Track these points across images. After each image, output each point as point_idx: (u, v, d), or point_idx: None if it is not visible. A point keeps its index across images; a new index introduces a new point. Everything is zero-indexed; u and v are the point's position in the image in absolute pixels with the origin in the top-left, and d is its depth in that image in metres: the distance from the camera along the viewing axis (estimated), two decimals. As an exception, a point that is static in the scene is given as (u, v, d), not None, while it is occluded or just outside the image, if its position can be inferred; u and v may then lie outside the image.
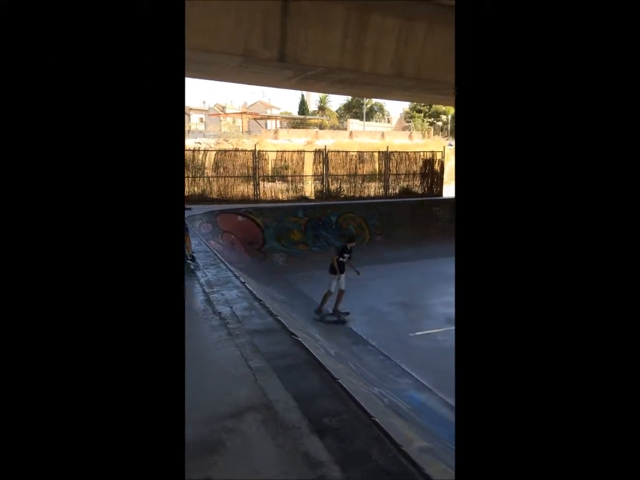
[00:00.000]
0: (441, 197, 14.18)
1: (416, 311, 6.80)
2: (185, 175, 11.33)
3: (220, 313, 3.95)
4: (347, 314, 6.52)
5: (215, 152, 12.79)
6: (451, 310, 5.77)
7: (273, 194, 12.68)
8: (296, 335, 3.34)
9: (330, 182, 13.59)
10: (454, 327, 4.81)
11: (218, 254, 6.93)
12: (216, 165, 12.20)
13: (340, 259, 6.44)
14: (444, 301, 7.21)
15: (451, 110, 35.08)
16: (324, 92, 32.72)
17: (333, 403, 2.36)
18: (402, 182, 14.48)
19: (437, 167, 14.90)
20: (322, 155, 13.43)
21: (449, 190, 17.34)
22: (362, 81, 8.05)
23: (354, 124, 39.42)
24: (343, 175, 13.77)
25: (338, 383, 2.56)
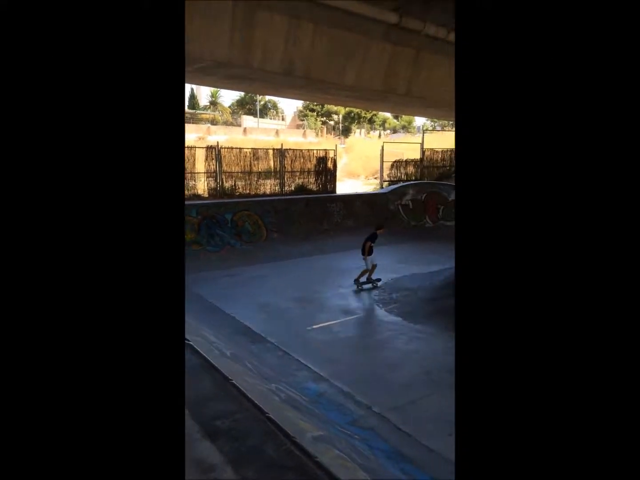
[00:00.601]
0: (335, 194, 14.66)
1: (313, 305, 6.95)
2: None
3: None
4: (379, 280, 7.97)
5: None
6: (345, 302, 6.03)
7: (163, 192, 11.97)
8: (187, 339, 3.19)
9: (224, 180, 13.25)
10: (348, 318, 5.01)
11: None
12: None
13: (372, 244, 7.91)
14: (338, 293, 7.49)
15: (342, 110, 36.46)
16: (214, 87, 31.78)
17: (226, 404, 2.31)
18: (297, 179, 14.67)
19: (330, 165, 15.37)
20: (214, 152, 13.03)
21: (342, 186, 18.02)
22: (251, 77, 7.95)
23: (247, 120, 38.94)
24: (237, 172, 13.52)
25: (231, 383, 2.51)
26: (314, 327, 6.05)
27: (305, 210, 11.85)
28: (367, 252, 7.92)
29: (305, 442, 1.94)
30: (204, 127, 31.13)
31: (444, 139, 19.91)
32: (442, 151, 18.21)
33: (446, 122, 24.41)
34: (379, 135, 36.24)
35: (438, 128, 28.70)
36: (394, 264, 9.49)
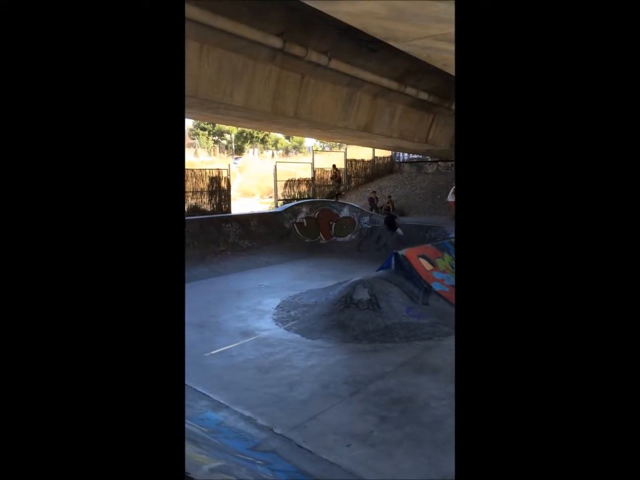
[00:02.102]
0: (230, 214, 14.47)
1: (210, 330, 6.74)
2: None
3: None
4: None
5: None
6: (244, 324, 5.92)
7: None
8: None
9: (107, 202, 12.30)
10: (247, 340, 4.94)
11: None
12: None
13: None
14: (236, 315, 7.36)
15: (234, 129, 36.26)
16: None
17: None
18: (190, 199, 14.21)
19: (224, 184, 15.18)
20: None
21: (237, 206, 17.86)
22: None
23: (133, 138, 36.69)
24: (123, 193, 12.64)
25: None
26: (212, 352, 5.86)
27: (200, 232, 11.49)
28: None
29: (200, 475, 1.88)
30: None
31: (332, 159, 20.89)
32: (330, 170, 19.07)
33: (333, 143, 25.68)
34: (272, 155, 36.73)
35: (327, 149, 30.03)
36: (291, 281, 9.62)
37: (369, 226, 13.55)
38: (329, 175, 17.33)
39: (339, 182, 16.68)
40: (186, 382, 4.94)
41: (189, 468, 1.92)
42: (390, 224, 12.42)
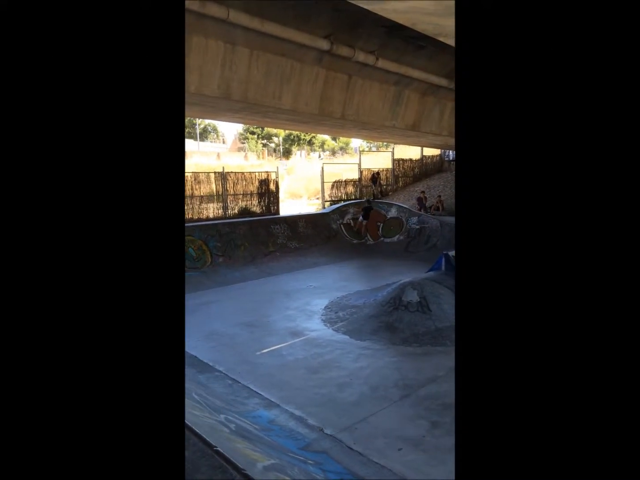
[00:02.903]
0: (279, 215, 14.71)
1: (261, 329, 6.88)
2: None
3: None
4: None
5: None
6: (293, 324, 6.00)
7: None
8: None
9: (163, 205, 12.89)
10: (297, 340, 4.98)
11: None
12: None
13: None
14: (285, 315, 7.47)
15: (282, 132, 36.87)
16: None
17: (172, 441, 2.23)
18: (240, 202, 14.59)
19: (272, 186, 15.45)
20: (152, 177, 12.67)
21: (285, 208, 18.13)
22: (189, 101, 7.90)
23: (188, 144, 38.31)
24: (177, 197, 13.20)
25: (177, 419, 2.43)
26: (263, 351, 5.98)
27: (250, 233, 11.77)
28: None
29: (256, 473, 1.91)
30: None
31: (379, 160, 20.69)
32: (378, 170, 18.89)
33: (380, 143, 25.43)
34: (319, 157, 36.97)
35: (374, 149, 29.79)
36: (338, 282, 9.63)
37: (417, 227, 13.29)
38: (369, 178, 17.32)
39: (377, 185, 16.56)
40: (238, 379, 5.07)
41: (244, 465, 1.96)
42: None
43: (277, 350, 6.02)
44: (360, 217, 13.48)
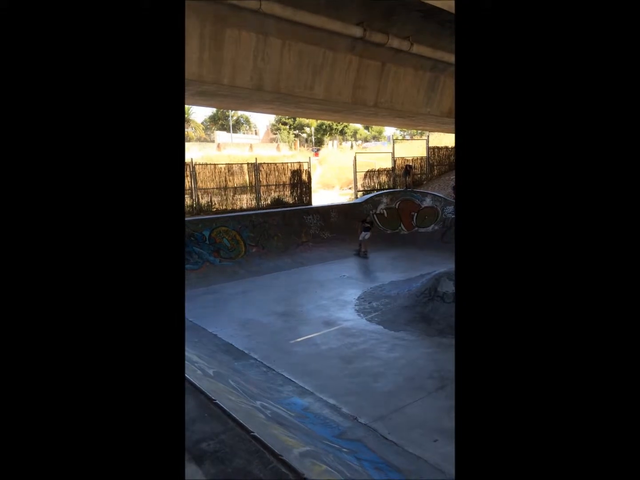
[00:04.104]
0: (311, 206, 14.74)
1: (295, 318, 6.94)
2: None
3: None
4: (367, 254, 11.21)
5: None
6: (327, 314, 5.99)
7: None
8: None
9: (200, 196, 13.17)
10: (330, 329, 4.98)
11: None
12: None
13: (363, 225, 11.47)
14: (318, 305, 7.50)
15: (314, 123, 36.80)
16: (186, 104, 31.59)
17: (211, 425, 2.29)
18: (273, 192, 14.71)
19: (304, 177, 15.48)
20: (189, 169, 12.96)
21: (317, 198, 18.13)
22: (222, 93, 7.98)
23: (221, 135, 38.87)
24: (213, 188, 13.48)
25: (215, 404, 2.49)
26: (297, 340, 6.04)
27: (283, 223, 11.86)
28: (359, 231, 11.42)
29: (292, 459, 1.94)
30: (175, 144, 30.80)
31: (413, 148, 20.32)
32: (412, 159, 18.55)
33: (414, 131, 24.92)
34: (351, 146, 36.67)
35: (407, 137, 29.26)
36: (372, 273, 9.58)
37: (453, 216, 13.00)
38: (402, 168, 17.02)
39: (410, 176, 16.24)
40: (273, 367, 5.15)
41: (280, 450, 1.99)
42: None
43: (310, 339, 6.07)
44: (362, 232, 11.46)
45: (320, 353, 5.55)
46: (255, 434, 2.15)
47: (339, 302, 7.64)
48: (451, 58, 8.87)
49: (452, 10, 5.21)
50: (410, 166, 16.78)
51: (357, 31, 7.52)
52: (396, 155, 18.27)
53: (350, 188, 20.32)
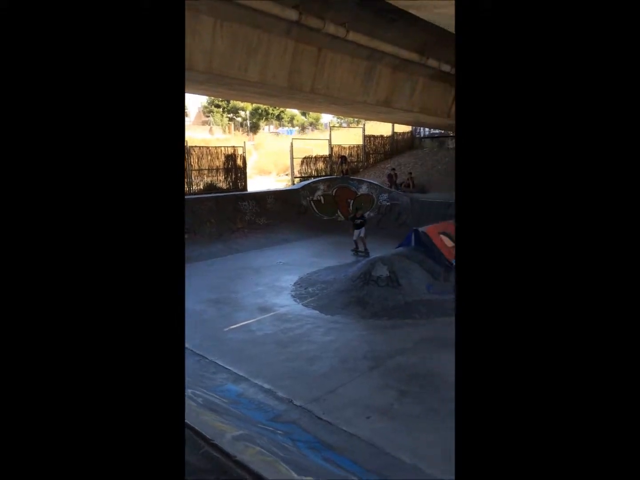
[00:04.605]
0: (246, 192, 14.47)
1: (229, 305, 6.81)
2: None
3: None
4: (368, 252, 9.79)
5: None
6: (262, 300, 5.93)
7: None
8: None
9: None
10: (266, 315, 4.93)
11: None
12: None
13: (354, 223, 10.34)
14: (254, 292, 7.42)
15: (249, 106, 36.03)
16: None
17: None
18: (205, 177, 14.22)
19: (239, 162, 15.12)
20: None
21: (253, 184, 17.83)
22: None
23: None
24: (141, 172, 12.74)
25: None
26: (231, 327, 5.93)
27: (216, 209, 11.53)
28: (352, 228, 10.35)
29: (224, 443, 1.89)
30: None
31: (349, 136, 20.59)
32: (349, 147, 18.81)
33: (351, 119, 25.26)
34: (288, 132, 36.39)
35: (344, 125, 29.59)
36: (308, 258, 9.63)
37: (388, 203, 13.39)
38: (338, 170, 17.13)
39: (346, 164, 16.42)
40: (205, 355, 5.02)
41: (213, 436, 1.94)
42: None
43: (245, 326, 5.99)
44: (355, 231, 10.43)
45: (255, 339, 5.49)
46: (186, 421, 2.08)
47: (275, 288, 7.60)
48: (387, 48, 9.02)
49: (387, -2, 5.27)
50: (344, 157, 17.00)
51: (292, 14, 7.39)
52: (333, 143, 18.41)
53: (287, 174, 20.20)
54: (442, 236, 7.86)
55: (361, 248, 10.26)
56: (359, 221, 10.56)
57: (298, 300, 6.91)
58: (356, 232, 10.41)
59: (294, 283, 7.82)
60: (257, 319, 6.17)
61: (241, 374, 4.53)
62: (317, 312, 6.33)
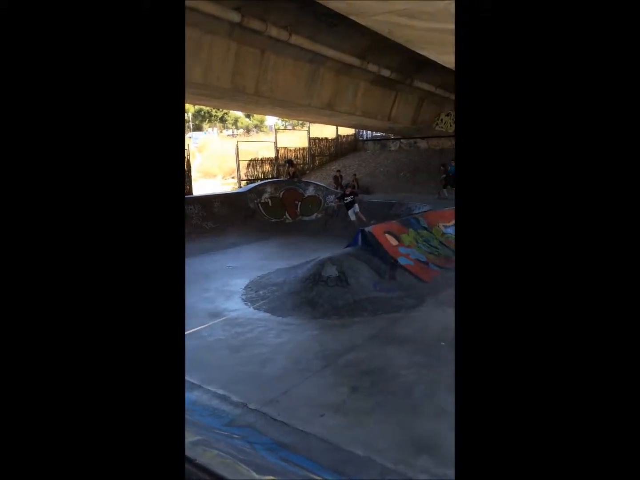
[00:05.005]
0: (192, 195, 14.15)
1: (178, 312, 6.64)
2: None
3: None
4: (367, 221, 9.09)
5: None
6: (212, 306, 5.85)
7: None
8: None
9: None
10: (217, 321, 4.89)
11: None
12: None
13: (341, 203, 9.74)
14: (203, 297, 7.29)
15: (191, 108, 35.15)
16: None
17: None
18: (148, 181, 13.75)
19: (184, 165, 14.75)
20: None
21: (198, 187, 17.44)
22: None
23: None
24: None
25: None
26: (181, 334, 5.80)
27: (161, 214, 11.18)
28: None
29: (182, 449, 1.90)
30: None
31: (295, 138, 20.69)
32: (294, 149, 18.91)
33: (296, 122, 25.37)
34: (232, 134, 35.91)
35: (289, 127, 29.65)
36: (258, 261, 9.60)
37: (335, 204, 13.61)
38: (285, 172, 17.16)
39: (291, 166, 16.46)
40: (156, 365, 4.90)
41: (169, 443, 1.93)
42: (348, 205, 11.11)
43: (196, 332, 5.88)
44: (349, 212, 10.55)
45: (206, 345, 5.42)
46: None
47: (224, 292, 7.51)
48: (329, 52, 9.20)
49: (327, 4, 5.40)
50: (291, 160, 17.05)
51: (234, 16, 7.36)
52: (279, 145, 18.42)
53: (233, 177, 19.95)
54: (387, 235, 8.14)
55: (360, 221, 9.47)
56: (348, 199, 9.67)
57: (249, 303, 6.89)
58: (350, 212, 9.49)
59: (244, 287, 7.77)
60: (208, 324, 6.09)
61: (194, 381, 4.46)
62: (268, 314, 6.35)
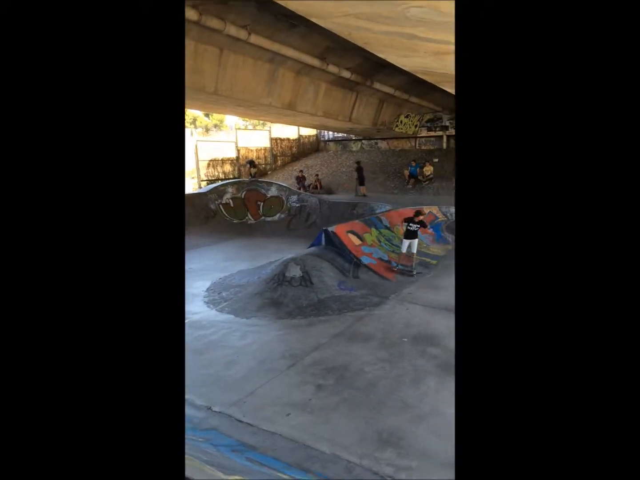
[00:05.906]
0: (150, 197, 13.74)
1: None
2: None
3: None
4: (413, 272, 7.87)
5: None
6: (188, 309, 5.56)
7: None
8: None
9: None
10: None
11: None
12: None
13: (408, 227, 7.77)
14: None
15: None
16: None
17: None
18: (104, 182, 13.27)
19: (141, 165, 14.34)
20: None
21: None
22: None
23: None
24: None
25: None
26: (141, 339, 5.65)
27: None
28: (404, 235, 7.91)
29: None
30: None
31: (256, 138, 20.53)
32: (256, 149, 18.77)
33: (257, 122, 25.19)
34: (191, 134, 35.19)
35: (250, 127, 29.39)
36: (220, 263, 9.47)
37: (297, 205, 13.62)
38: (247, 172, 17.02)
39: (253, 166, 16.34)
40: (115, 372, 4.74)
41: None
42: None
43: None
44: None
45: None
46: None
47: (186, 295, 7.36)
48: (289, 52, 9.20)
49: (287, 5, 5.40)
50: (252, 161, 16.93)
51: (192, 14, 7.23)
52: (240, 145, 18.22)
53: (192, 178, 19.55)
54: (349, 235, 8.24)
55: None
56: (414, 227, 7.63)
57: (212, 305, 6.79)
58: (406, 243, 7.70)
59: (207, 289, 7.65)
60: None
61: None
62: (232, 316, 6.28)
